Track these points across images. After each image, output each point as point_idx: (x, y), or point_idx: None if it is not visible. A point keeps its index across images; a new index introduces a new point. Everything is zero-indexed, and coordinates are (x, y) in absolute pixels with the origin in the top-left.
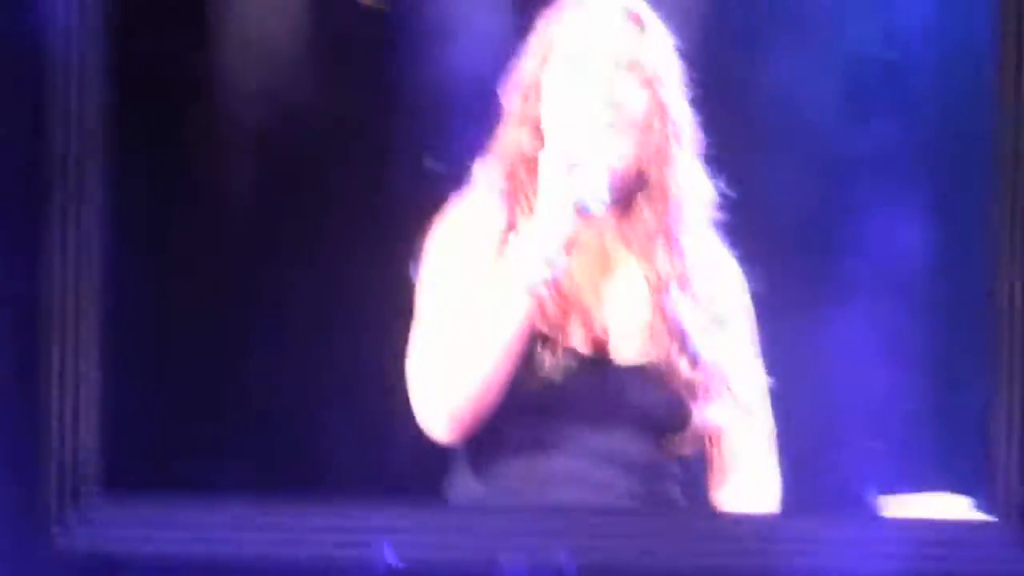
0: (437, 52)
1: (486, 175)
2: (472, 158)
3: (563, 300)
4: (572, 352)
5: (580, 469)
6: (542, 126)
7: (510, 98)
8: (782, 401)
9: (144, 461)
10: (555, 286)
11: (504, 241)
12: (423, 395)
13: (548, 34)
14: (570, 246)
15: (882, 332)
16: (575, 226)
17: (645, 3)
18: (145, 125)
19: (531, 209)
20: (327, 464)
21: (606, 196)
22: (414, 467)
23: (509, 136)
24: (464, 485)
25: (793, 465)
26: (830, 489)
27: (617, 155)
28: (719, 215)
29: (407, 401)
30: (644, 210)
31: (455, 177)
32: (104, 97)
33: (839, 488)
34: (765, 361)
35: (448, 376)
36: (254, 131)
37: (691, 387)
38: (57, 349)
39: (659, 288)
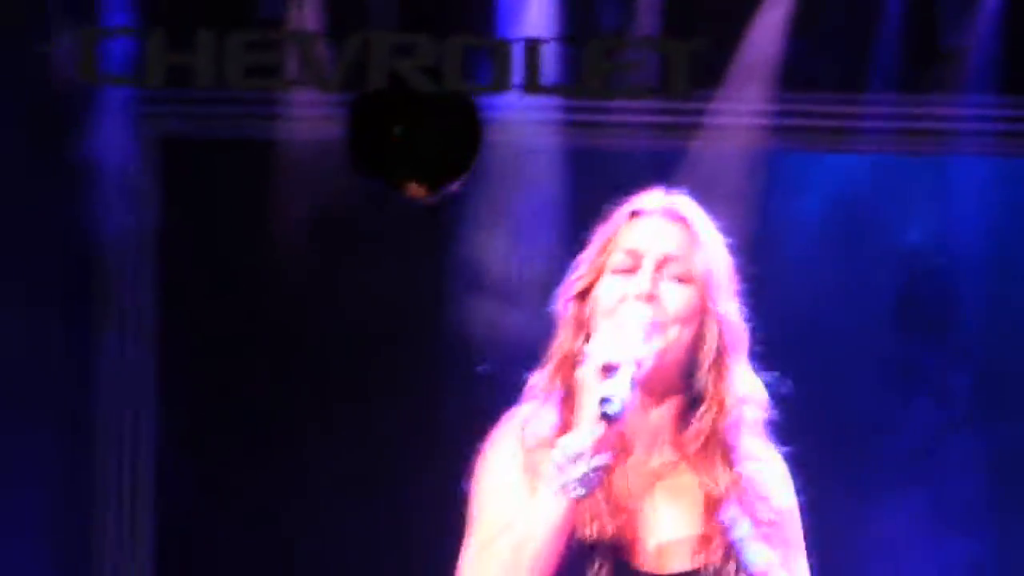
0: (494, 256)
1: (540, 382)
2: (527, 365)
3: (614, 509)
4: (623, 564)
5: None
6: (591, 332)
7: (564, 304)
8: None
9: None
10: (605, 496)
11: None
12: None
13: (602, 242)
14: (603, 447)
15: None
16: (603, 428)
17: (694, 205)
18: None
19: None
20: None
21: (627, 397)
22: None
23: (562, 342)
24: None
25: None
26: None
27: (654, 352)
28: (771, 415)
29: None
30: (698, 418)
31: (510, 384)
32: None
33: None
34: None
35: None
36: (304, 330)
37: None
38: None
39: (716, 498)
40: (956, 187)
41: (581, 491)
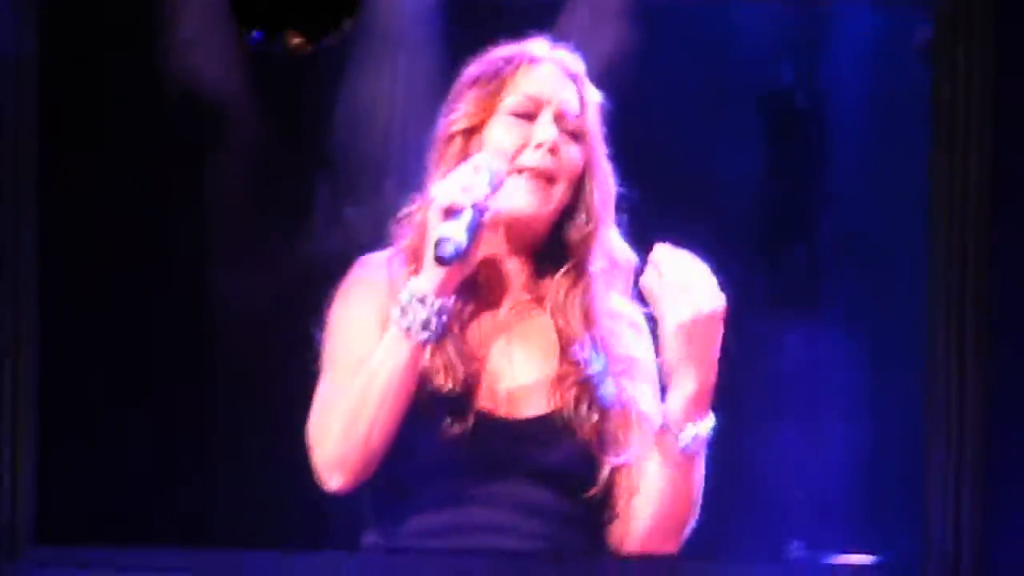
0: (365, 102)
1: (411, 218)
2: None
3: (468, 358)
4: (480, 412)
5: (492, 520)
6: None
7: (447, 139)
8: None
9: (78, 517)
10: (457, 345)
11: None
12: (315, 444)
13: (495, 81)
14: (445, 290)
15: (814, 385)
16: (441, 271)
17: (581, 62)
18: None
19: None
20: (250, 518)
21: (463, 241)
22: (329, 522)
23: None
24: (384, 538)
25: (714, 509)
26: (749, 534)
27: (533, 207)
28: (636, 276)
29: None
30: (561, 273)
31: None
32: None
33: (760, 534)
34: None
35: (336, 423)
36: (177, 179)
37: (597, 434)
38: None
39: (570, 338)
40: (832, 32)
41: (424, 334)
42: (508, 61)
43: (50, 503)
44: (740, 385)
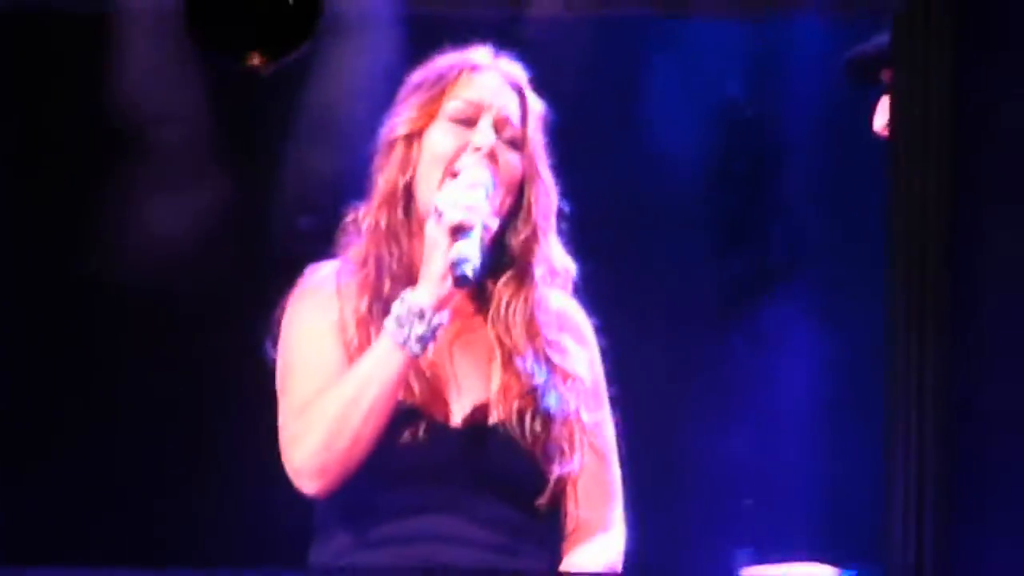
0: (335, 123)
1: (362, 221)
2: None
3: (419, 371)
4: (433, 424)
5: (444, 531)
6: (416, 186)
7: (389, 143)
8: (653, 454)
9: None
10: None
11: (368, 301)
12: (291, 449)
13: (436, 87)
14: (445, 306)
15: (769, 389)
16: (450, 288)
17: (524, 72)
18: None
19: (400, 270)
20: (204, 533)
21: (479, 260)
22: (287, 536)
23: (386, 181)
24: (335, 548)
25: (655, 521)
26: (696, 545)
27: (489, 219)
28: (577, 282)
29: (278, 470)
30: (504, 283)
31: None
32: None
33: (707, 545)
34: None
35: (317, 431)
36: (118, 189)
37: (542, 444)
38: None
39: (512, 352)
40: (781, 46)
41: (418, 348)
42: (450, 68)
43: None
44: (695, 397)
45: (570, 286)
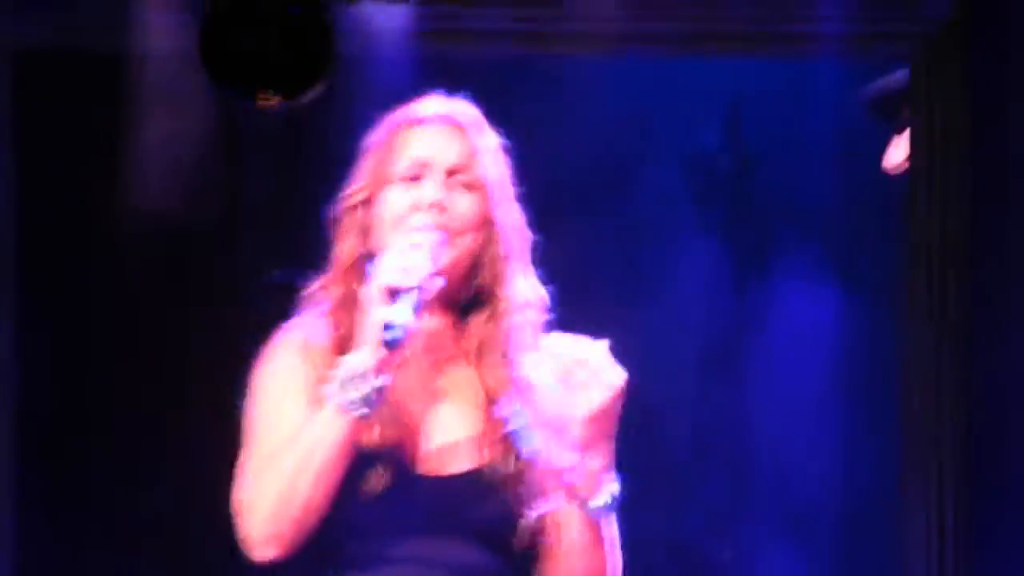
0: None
1: (321, 291)
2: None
3: (393, 416)
4: (404, 470)
5: None
6: (378, 252)
7: (344, 212)
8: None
9: None
10: (382, 404)
11: (330, 362)
12: (245, 515)
13: (382, 150)
14: (385, 368)
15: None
16: (384, 351)
17: (473, 110)
18: None
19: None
20: None
21: (410, 322)
22: None
23: (344, 250)
24: None
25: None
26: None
27: (443, 264)
28: (553, 315)
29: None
30: (478, 321)
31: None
32: None
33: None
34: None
35: (267, 499)
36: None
37: (521, 489)
38: None
39: (493, 394)
40: (751, 89)
41: (364, 410)
42: (396, 126)
43: None
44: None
45: (543, 318)
